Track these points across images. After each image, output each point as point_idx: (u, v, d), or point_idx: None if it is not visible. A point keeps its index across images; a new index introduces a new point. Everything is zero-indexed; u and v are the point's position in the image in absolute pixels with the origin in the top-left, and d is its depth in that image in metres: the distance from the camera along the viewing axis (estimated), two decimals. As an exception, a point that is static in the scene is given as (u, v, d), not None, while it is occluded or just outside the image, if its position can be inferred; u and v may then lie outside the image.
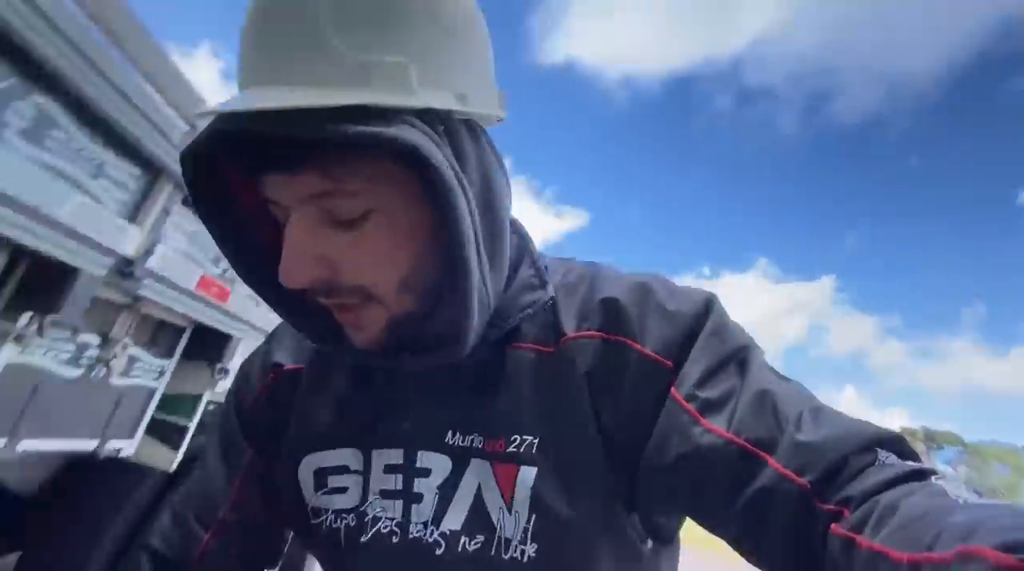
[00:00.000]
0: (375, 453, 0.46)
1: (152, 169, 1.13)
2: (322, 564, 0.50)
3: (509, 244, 0.44)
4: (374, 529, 0.45)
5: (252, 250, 0.43)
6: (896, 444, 0.36)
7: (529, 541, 0.41)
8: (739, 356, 0.42)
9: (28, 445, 1.08)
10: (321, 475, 0.48)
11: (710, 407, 0.39)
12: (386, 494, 0.45)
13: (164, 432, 1.48)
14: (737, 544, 0.38)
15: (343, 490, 0.47)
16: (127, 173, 1.08)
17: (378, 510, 0.45)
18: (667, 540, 0.48)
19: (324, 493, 0.47)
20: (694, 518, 0.42)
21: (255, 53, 0.36)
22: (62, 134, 0.91)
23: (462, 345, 0.40)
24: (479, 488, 0.43)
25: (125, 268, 1.09)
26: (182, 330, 1.45)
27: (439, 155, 0.35)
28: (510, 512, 0.42)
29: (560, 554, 0.42)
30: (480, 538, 0.42)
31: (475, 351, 0.43)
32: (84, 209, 0.98)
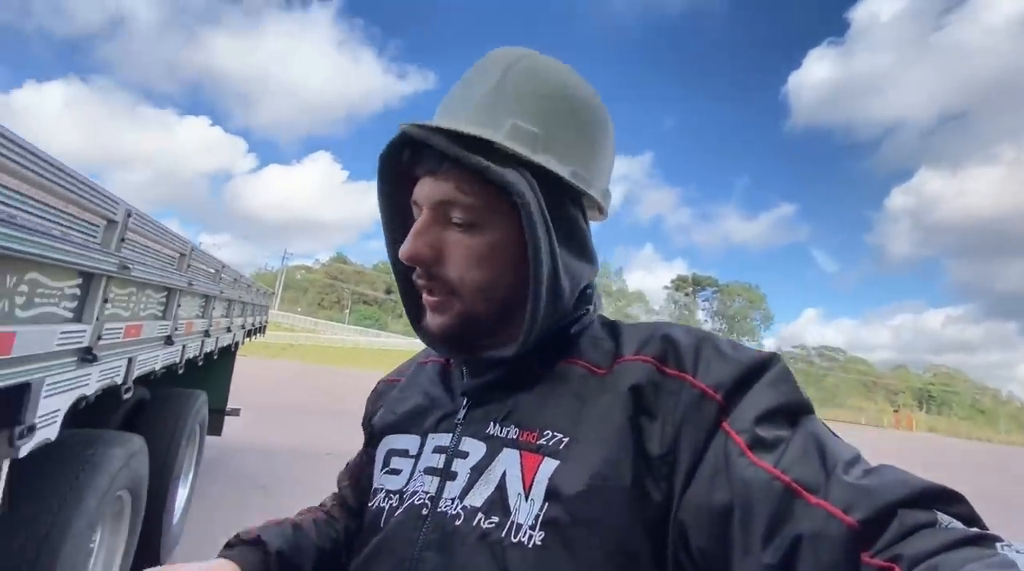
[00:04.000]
0: (430, 437, 0.53)
1: None
2: (358, 552, 0.53)
3: (574, 293, 0.52)
4: (409, 502, 0.50)
5: (401, 238, 0.52)
6: (954, 502, 0.33)
7: (538, 528, 0.43)
8: (794, 410, 0.42)
9: None
10: (388, 456, 0.55)
11: (760, 444, 0.40)
12: (428, 471, 0.50)
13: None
14: None
15: (397, 472, 0.53)
16: None
17: (417, 485, 0.50)
18: None
19: (385, 472, 0.54)
20: None
21: (453, 101, 0.51)
22: None
23: (519, 344, 0.49)
24: (504, 474, 0.46)
25: None
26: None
27: (531, 198, 0.46)
28: (526, 499, 0.44)
29: (564, 547, 0.42)
30: (495, 519, 0.44)
31: (530, 363, 0.51)
32: None
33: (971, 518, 0.33)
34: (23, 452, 1.12)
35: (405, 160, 0.51)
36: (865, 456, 0.40)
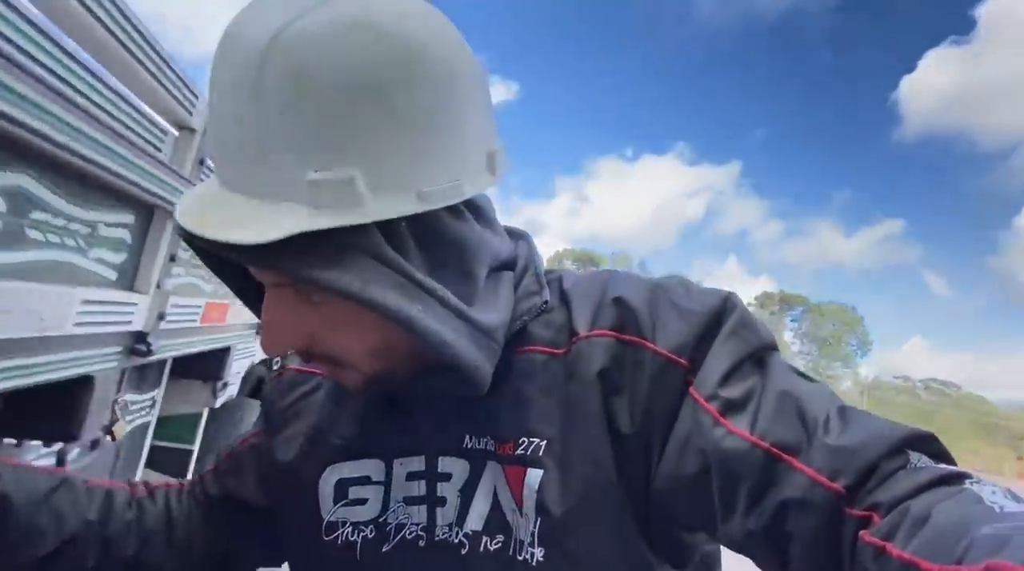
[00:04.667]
0: (396, 462, 0.46)
1: (144, 211, 0.81)
2: None
3: (504, 279, 0.45)
4: (399, 536, 0.45)
5: (253, 289, 0.44)
6: (927, 444, 0.34)
7: (536, 544, 0.41)
8: (758, 355, 0.41)
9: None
10: (342, 486, 0.48)
11: (731, 407, 0.38)
12: (410, 500, 0.45)
13: (166, 461, 1.33)
14: (758, 557, 0.37)
15: (363, 501, 0.47)
16: (118, 228, 0.77)
17: (402, 517, 0.45)
18: (681, 565, 0.44)
19: (344, 505, 0.47)
20: (710, 533, 0.40)
21: (216, 155, 0.38)
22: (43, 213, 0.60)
23: (479, 386, 0.41)
24: (495, 490, 0.43)
25: (138, 344, 0.83)
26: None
27: (377, 286, 0.35)
28: (521, 514, 0.42)
29: (566, 559, 0.41)
30: (500, 538, 0.42)
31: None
32: (84, 305, 0.69)
33: (940, 455, 0.34)
34: (218, 403, 1.39)
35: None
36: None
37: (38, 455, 0.83)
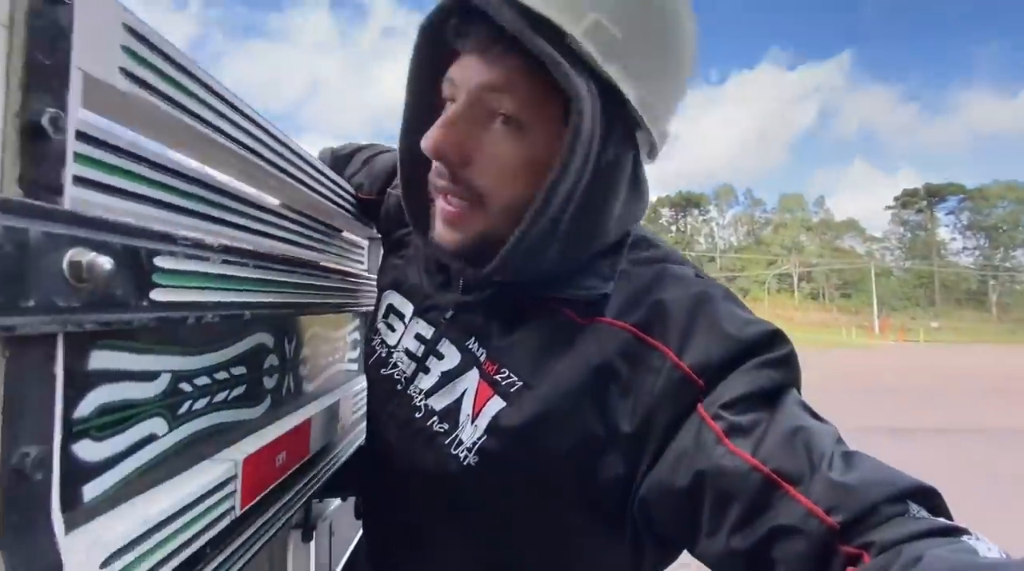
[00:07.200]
0: (415, 319, 0.55)
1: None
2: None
3: (584, 241, 0.45)
4: (391, 372, 0.54)
5: (422, 125, 0.46)
6: (930, 498, 0.35)
7: (474, 452, 0.45)
8: (776, 391, 0.40)
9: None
10: (389, 311, 0.59)
11: (737, 430, 0.38)
12: (409, 354, 0.54)
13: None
14: None
15: (393, 329, 0.57)
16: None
17: (399, 360, 0.54)
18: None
19: (384, 323, 0.59)
20: (692, 549, 0.40)
21: None
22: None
23: (493, 265, 0.44)
24: (464, 392, 0.48)
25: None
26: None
27: (589, 116, 0.39)
28: (472, 423, 0.46)
29: (491, 477, 0.45)
30: (445, 426, 0.48)
31: (524, 296, 0.48)
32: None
33: (941, 510, 0.34)
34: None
35: (451, 30, 0.43)
36: None
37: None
